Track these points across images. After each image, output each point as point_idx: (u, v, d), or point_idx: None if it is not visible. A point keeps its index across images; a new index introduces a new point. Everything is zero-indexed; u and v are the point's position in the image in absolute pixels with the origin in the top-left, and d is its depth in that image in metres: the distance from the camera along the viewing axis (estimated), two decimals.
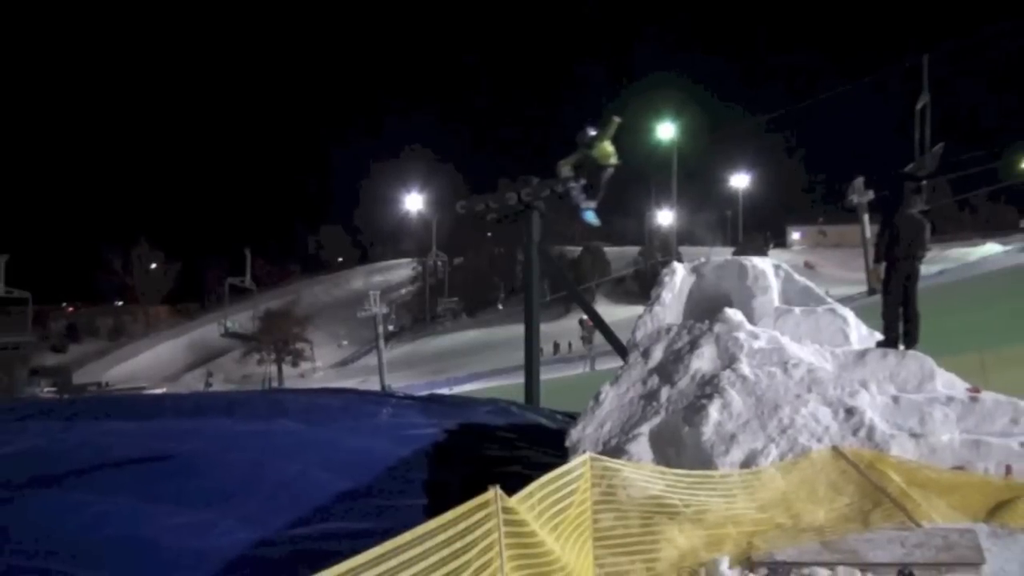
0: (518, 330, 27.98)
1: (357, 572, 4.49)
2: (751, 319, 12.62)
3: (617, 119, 20.63)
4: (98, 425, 14.64)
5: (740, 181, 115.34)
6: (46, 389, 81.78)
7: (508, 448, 13.68)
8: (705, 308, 13.20)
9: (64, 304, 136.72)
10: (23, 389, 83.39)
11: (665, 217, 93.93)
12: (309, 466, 12.00)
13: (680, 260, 15.25)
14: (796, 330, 12.48)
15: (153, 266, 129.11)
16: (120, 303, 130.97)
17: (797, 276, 14.11)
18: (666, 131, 74.13)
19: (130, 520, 9.88)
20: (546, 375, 28.91)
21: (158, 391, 64.69)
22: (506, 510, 5.90)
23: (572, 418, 13.17)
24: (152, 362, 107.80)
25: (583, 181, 21.60)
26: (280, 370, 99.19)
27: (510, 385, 39.65)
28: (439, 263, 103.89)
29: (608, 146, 20.59)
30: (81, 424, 14.85)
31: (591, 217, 22.88)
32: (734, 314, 12.37)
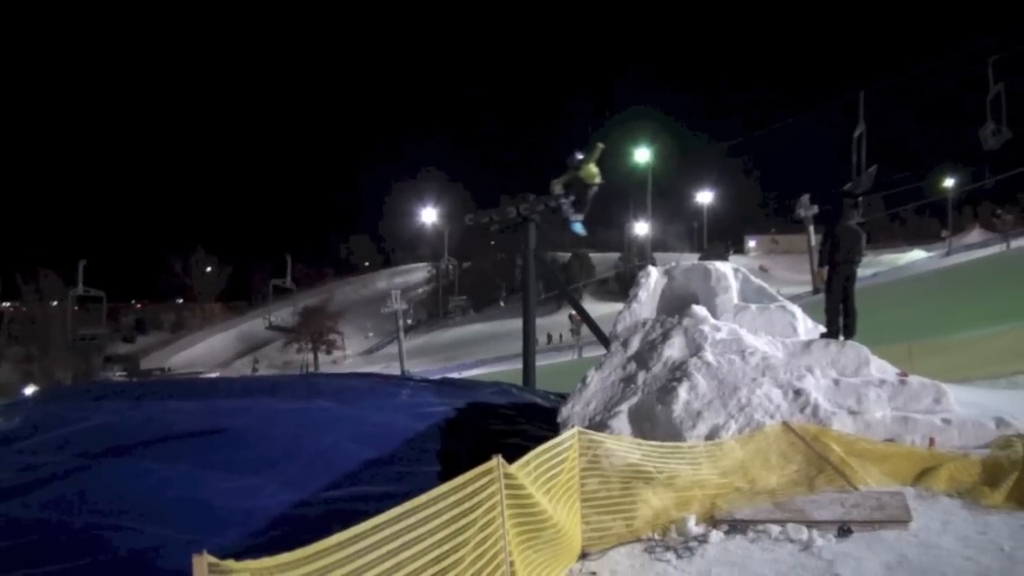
0: (517, 324, 27.95)
1: (382, 528, 4.51)
2: (714, 314, 12.63)
3: (601, 145, 20.65)
4: (162, 404, 14.63)
5: (705, 197, 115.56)
6: (118, 373, 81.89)
7: (509, 423, 13.66)
8: (675, 305, 13.21)
9: (134, 301, 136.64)
10: (99, 373, 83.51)
11: (641, 228, 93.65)
12: (340, 438, 11.98)
13: (654, 264, 15.19)
14: (752, 323, 12.49)
15: (208, 269, 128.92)
16: (180, 301, 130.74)
17: (753, 278, 14.11)
18: (642, 155, 74.05)
19: (189, 484, 9.87)
20: (540, 362, 28.81)
21: (212, 375, 64.61)
22: (507, 476, 5.93)
23: (563, 398, 13.16)
24: (207, 351, 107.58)
25: (572, 197, 21.58)
26: (316, 357, 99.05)
27: (510, 370, 39.59)
28: (450, 267, 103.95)
29: (593, 168, 20.60)
30: (147, 403, 14.85)
31: (579, 228, 22.75)
32: (700, 310, 12.39)
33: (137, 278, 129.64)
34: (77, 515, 8.97)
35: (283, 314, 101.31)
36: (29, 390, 37.25)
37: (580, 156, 20.63)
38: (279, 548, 4.21)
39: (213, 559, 3.48)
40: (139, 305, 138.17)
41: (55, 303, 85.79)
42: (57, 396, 20.44)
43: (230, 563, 3.58)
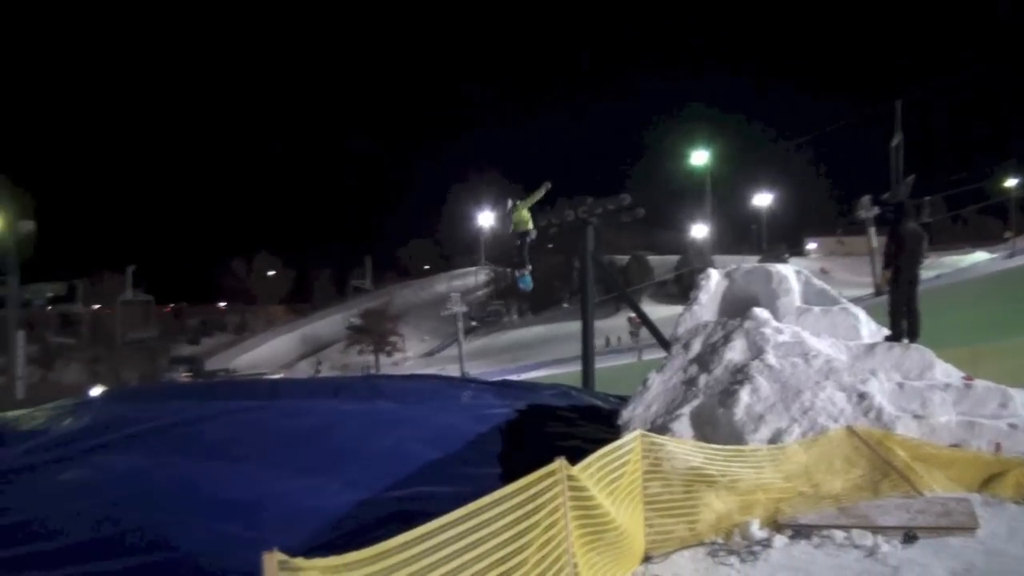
0: (575, 326, 28.03)
1: (447, 528, 4.52)
2: (776, 317, 12.50)
3: (546, 185, 17.20)
4: (226, 404, 14.80)
5: (763, 199, 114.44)
6: (183, 374, 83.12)
7: (569, 425, 13.62)
8: (736, 308, 13.10)
9: (199, 304, 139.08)
10: (164, 374, 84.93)
11: (700, 230, 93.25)
12: (403, 439, 12.04)
13: (714, 267, 15.06)
14: (815, 326, 12.34)
15: (271, 273, 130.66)
16: (244, 303, 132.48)
17: (815, 280, 13.94)
18: (700, 157, 73.83)
19: (254, 483, 9.97)
20: (599, 364, 28.79)
21: (276, 376, 65.34)
22: (570, 478, 5.91)
23: (622, 400, 13.11)
24: (271, 352, 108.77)
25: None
26: (377, 359, 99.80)
27: (569, 373, 39.58)
28: (485, 274, 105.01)
29: (525, 213, 17.54)
30: (213, 403, 15.03)
31: (525, 283, 18.75)
32: (761, 312, 12.26)
33: (203, 281, 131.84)
34: (145, 512, 9.10)
35: (345, 317, 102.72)
36: (96, 390, 38.03)
37: (511, 203, 17.79)
38: (343, 547, 4.24)
39: (283, 556, 3.50)
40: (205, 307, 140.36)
41: (150, 303, 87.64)
42: (124, 396, 20.80)
43: (299, 561, 3.60)
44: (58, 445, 12.37)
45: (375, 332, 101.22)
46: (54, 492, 9.94)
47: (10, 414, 15.92)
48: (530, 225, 17.40)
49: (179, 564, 7.65)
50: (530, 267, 17.83)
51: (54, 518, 8.94)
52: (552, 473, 5.72)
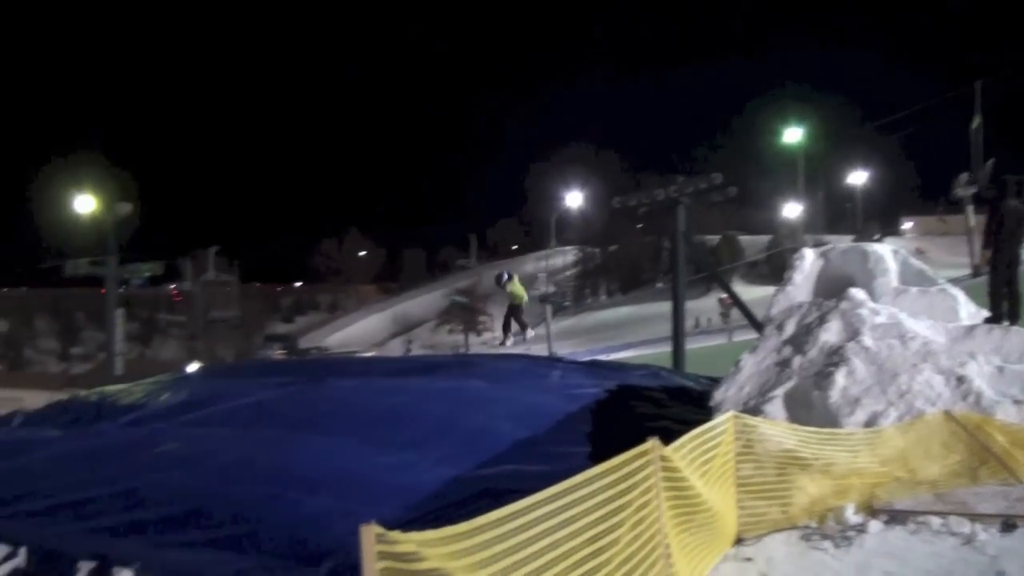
0: (664, 307, 27.89)
1: (539, 506, 4.53)
2: (872, 298, 12.24)
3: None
4: (320, 381, 15.06)
5: (858, 178, 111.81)
6: (277, 351, 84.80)
7: (659, 406, 13.55)
8: (831, 288, 12.87)
9: (292, 283, 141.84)
10: (259, 351, 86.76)
11: (792, 209, 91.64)
12: (493, 417, 12.10)
13: (806, 247, 14.82)
14: (912, 307, 12.07)
15: (362, 253, 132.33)
16: (336, 283, 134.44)
17: (913, 260, 13.64)
18: (793, 135, 72.42)
19: (347, 458, 10.13)
20: (689, 345, 28.60)
21: (368, 355, 66.21)
22: (662, 458, 5.89)
23: (713, 381, 12.99)
24: (362, 331, 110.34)
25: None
26: (466, 338, 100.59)
27: (658, 353, 39.37)
28: (586, 251, 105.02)
29: (520, 288, 18.15)
30: (307, 380, 15.30)
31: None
32: (857, 293, 12.01)
33: (297, 262, 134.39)
34: (241, 484, 9.32)
35: (435, 296, 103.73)
36: (192, 367, 39.02)
37: (507, 275, 17.86)
38: (436, 522, 4.30)
39: (380, 529, 3.55)
40: (298, 287, 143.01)
41: (232, 283, 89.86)
42: (220, 372, 21.32)
43: (396, 534, 3.65)
44: (156, 418, 12.75)
45: (464, 312, 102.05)
46: (153, 464, 10.25)
47: (110, 388, 16.43)
48: (525, 298, 17.93)
49: (272, 536, 7.82)
50: (532, 332, 18.33)
51: (153, 488, 9.24)
52: (645, 453, 5.70)
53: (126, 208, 38.43)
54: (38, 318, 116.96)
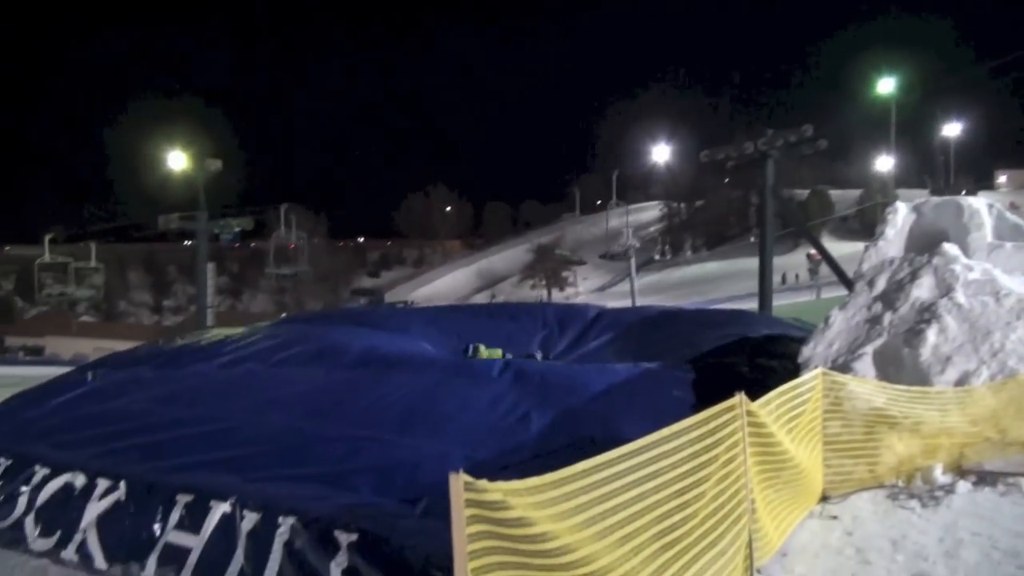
0: (751, 263, 27.54)
1: (626, 458, 4.56)
2: (966, 253, 11.94)
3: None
4: (409, 328, 15.30)
5: (952, 129, 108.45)
6: (364, 305, 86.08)
7: (747, 360, 13.43)
8: (924, 243, 12.57)
9: (379, 238, 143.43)
10: (345, 305, 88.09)
11: (884, 163, 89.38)
12: (580, 367, 12.19)
13: (898, 201, 14.46)
14: (1007, 263, 11.74)
15: (448, 208, 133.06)
16: (422, 238, 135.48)
17: (1008, 214, 13.25)
18: (885, 85, 70.37)
19: (439, 400, 10.13)
20: (776, 301, 28.23)
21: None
22: (749, 413, 5.88)
23: (805, 335, 12.84)
24: (447, 285, 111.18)
25: None
26: (549, 293, 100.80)
27: (744, 310, 39.00)
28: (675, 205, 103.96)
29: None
30: (396, 329, 15.51)
31: None
32: (951, 248, 11.73)
33: (384, 217, 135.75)
34: (334, 425, 9.49)
35: (518, 252, 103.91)
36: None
37: (472, 347, 15.74)
38: (526, 470, 4.35)
39: (469, 478, 3.62)
40: (386, 242, 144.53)
41: (303, 239, 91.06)
42: (310, 319, 21.66)
43: (484, 483, 3.72)
44: (251, 359, 13.00)
45: (548, 267, 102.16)
46: (248, 404, 10.51)
47: (206, 334, 16.78)
48: None
49: (366, 475, 7.95)
50: None
51: (249, 427, 9.48)
52: (732, 408, 5.69)
53: (216, 164, 39.13)
54: (132, 272, 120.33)
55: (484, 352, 13.36)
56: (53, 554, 7.73)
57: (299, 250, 73.38)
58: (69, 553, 7.64)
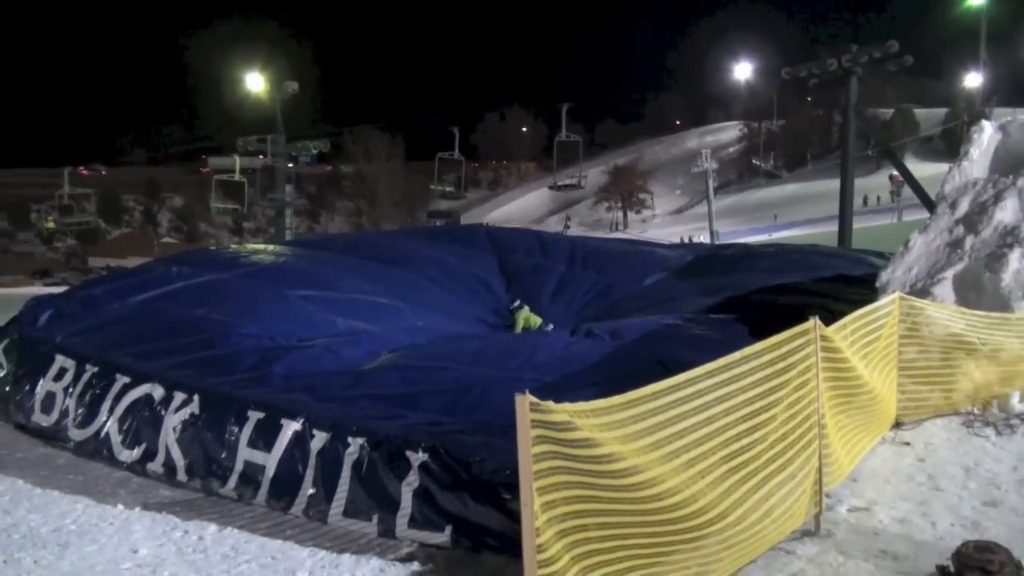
0: (830, 184, 27.01)
1: (695, 381, 4.57)
2: None
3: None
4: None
5: None
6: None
7: (823, 285, 13.27)
8: (1010, 164, 12.17)
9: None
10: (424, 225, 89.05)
11: (973, 79, 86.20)
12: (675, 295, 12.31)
13: (987, 119, 14.00)
14: None
15: (524, 129, 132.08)
16: (498, 160, 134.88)
17: None
18: None
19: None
20: (857, 224, 27.69)
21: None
22: (823, 338, 5.82)
23: (883, 260, 12.65)
24: (522, 208, 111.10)
25: None
26: (625, 216, 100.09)
27: (823, 232, 38.40)
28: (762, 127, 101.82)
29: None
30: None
31: None
32: None
33: (461, 138, 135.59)
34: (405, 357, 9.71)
35: (594, 173, 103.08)
36: None
37: (518, 302, 14.05)
38: (595, 392, 4.39)
39: (534, 399, 3.67)
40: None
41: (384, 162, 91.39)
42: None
43: (549, 404, 3.76)
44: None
45: (619, 189, 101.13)
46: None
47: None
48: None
49: (438, 397, 8.09)
50: None
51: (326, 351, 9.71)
52: (805, 332, 5.64)
53: (292, 86, 39.41)
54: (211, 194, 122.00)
55: (525, 314, 12.85)
56: (138, 467, 8.00)
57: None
58: (156, 466, 7.90)
